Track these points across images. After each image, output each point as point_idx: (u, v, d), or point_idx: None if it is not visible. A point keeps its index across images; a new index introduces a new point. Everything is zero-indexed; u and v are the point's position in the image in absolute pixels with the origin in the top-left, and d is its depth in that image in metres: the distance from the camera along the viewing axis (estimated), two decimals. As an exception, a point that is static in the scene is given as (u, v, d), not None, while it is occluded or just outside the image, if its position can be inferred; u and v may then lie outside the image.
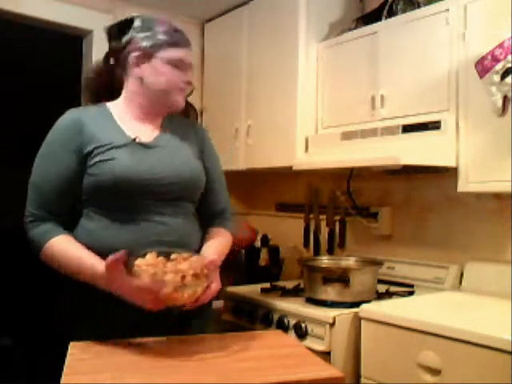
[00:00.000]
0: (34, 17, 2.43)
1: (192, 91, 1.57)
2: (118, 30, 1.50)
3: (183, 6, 2.73)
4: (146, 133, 1.47)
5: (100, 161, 1.37)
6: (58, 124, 1.44)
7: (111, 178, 1.36)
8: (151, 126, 1.50)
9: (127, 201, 1.39)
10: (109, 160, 1.37)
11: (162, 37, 1.47)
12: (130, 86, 1.49)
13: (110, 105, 1.51)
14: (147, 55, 1.46)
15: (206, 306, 1.44)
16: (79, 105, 1.68)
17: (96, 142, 1.39)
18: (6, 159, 4.94)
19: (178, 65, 1.47)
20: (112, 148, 1.39)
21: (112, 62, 1.52)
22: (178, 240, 1.40)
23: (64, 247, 1.34)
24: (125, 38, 1.47)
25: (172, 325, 1.38)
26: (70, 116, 1.44)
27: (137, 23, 1.48)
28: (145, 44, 1.45)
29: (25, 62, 3.83)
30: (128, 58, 1.47)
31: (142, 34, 1.46)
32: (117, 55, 1.50)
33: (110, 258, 1.22)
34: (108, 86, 1.54)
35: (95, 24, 2.58)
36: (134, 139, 1.42)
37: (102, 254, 1.29)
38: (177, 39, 1.49)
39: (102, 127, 1.42)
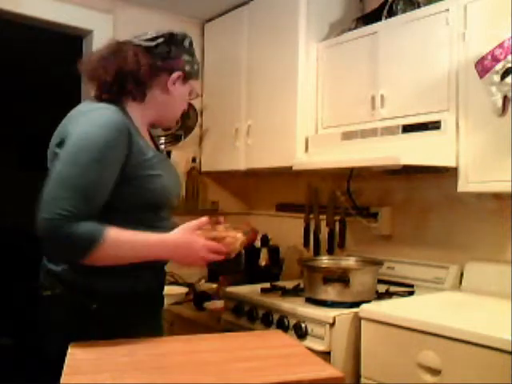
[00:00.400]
0: (34, 17, 2.42)
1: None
2: (171, 42, 1.50)
3: (183, 5, 2.74)
4: (150, 144, 1.50)
5: (151, 175, 1.39)
6: (110, 126, 1.33)
7: (161, 192, 1.42)
8: (147, 137, 1.52)
9: (155, 211, 1.44)
10: (158, 175, 1.41)
11: (196, 67, 1.55)
12: (154, 94, 1.49)
13: (129, 109, 1.45)
14: (184, 79, 1.52)
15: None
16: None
17: (143, 154, 1.38)
18: (6, 159, 4.94)
19: (191, 95, 1.58)
20: (157, 162, 1.42)
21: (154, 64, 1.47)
22: None
23: (127, 234, 1.31)
24: (173, 52, 1.49)
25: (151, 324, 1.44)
26: (118, 119, 1.35)
27: (186, 43, 1.52)
28: (188, 69, 1.51)
29: (25, 62, 3.83)
30: (170, 72, 1.48)
31: (186, 57, 1.52)
32: (157, 61, 1.47)
33: (199, 220, 1.39)
34: (137, 84, 1.45)
35: (95, 24, 2.59)
36: (165, 152, 1.49)
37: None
38: (199, 73, 1.58)
39: (138, 136, 1.40)
